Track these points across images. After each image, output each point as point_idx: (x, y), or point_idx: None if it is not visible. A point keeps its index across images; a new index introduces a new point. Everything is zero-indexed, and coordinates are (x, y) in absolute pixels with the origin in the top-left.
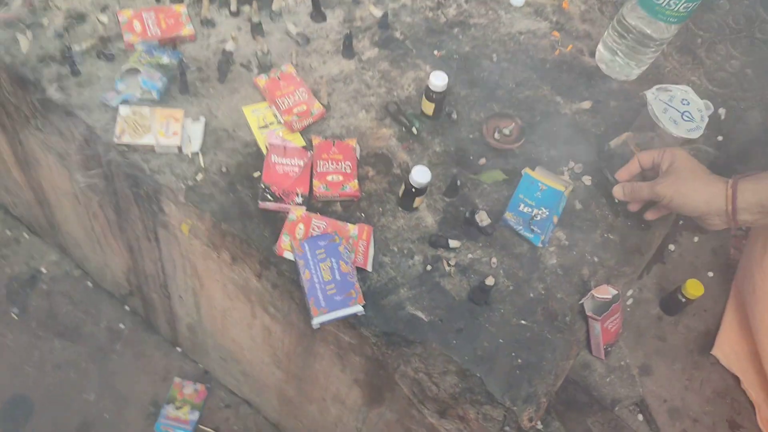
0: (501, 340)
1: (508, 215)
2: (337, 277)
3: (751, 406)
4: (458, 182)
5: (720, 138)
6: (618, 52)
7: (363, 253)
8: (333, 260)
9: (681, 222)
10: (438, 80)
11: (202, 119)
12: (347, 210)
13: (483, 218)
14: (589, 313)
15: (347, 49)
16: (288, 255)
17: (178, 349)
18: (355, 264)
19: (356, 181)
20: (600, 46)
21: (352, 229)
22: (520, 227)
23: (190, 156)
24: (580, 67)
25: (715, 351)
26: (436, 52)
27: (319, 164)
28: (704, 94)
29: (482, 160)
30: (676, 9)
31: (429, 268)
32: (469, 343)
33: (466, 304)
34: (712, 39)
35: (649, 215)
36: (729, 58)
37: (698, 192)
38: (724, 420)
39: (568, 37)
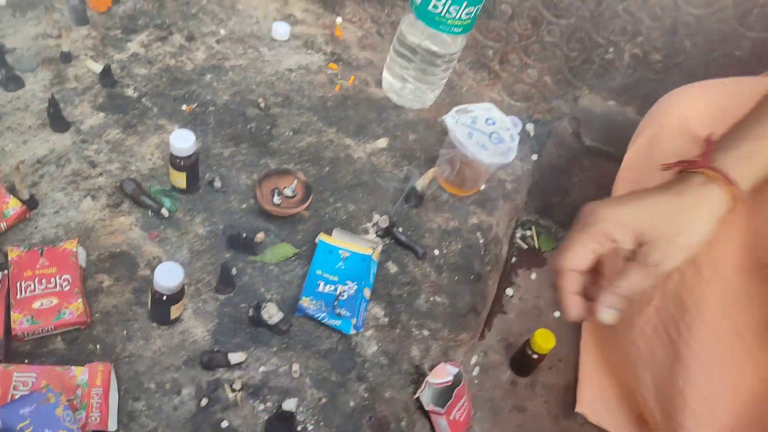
0: None
1: (305, 301)
2: None
3: None
4: (232, 271)
5: (534, 157)
6: (406, 77)
7: (99, 407)
8: None
9: (513, 260)
10: (181, 142)
11: None
12: (73, 345)
13: (272, 313)
14: (429, 408)
15: (56, 119)
16: None
17: None
18: (88, 428)
19: (81, 300)
20: (385, 74)
21: (80, 373)
22: (323, 314)
23: None
24: (368, 101)
25: (580, 407)
26: (185, 106)
27: (20, 287)
28: (508, 110)
29: (259, 235)
30: (457, 17)
31: (204, 402)
32: None
33: None
34: (503, 49)
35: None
36: (524, 68)
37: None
38: None
39: (347, 68)
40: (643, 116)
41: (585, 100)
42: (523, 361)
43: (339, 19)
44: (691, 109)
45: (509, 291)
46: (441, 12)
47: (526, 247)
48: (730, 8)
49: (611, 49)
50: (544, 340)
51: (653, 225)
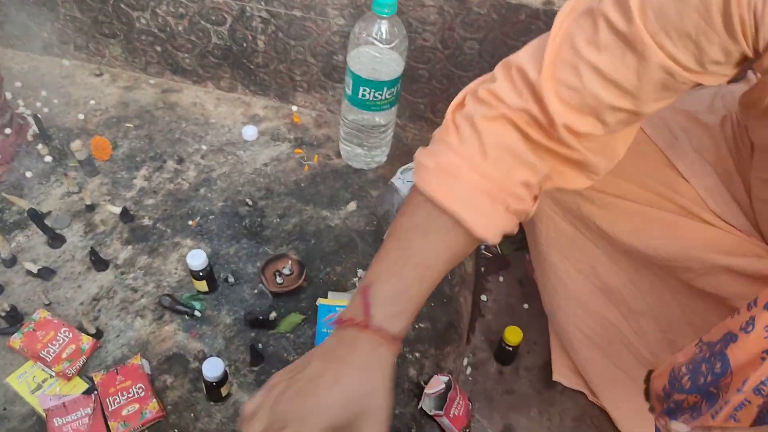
0: None
1: None
2: None
3: (609, 419)
4: (259, 347)
5: None
6: (356, 146)
7: None
8: None
9: (482, 270)
10: (196, 260)
11: None
12: None
13: None
14: (432, 412)
15: (97, 262)
16: None
17: None
18: None
19: (155, 400)
20: (341, 145)
21: None
22: None
23: None
24: (333, 173)
25: (556, 376)
26: (190, 222)
27: (110, 402)
28: None
29: (272, 314)
30: (383, 98)
31: None
32: None
33: None
34: (430, 102)
35: None
36: None
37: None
38: None
39: (310, 148)
40: None
41: None
42: (503, 354)
43: (294, 108)
44: None
45: (483, 297)
46: (369, 98)
47: (491, 255)
48: None
49: None
50: (512, 335)
51: (347, 414)
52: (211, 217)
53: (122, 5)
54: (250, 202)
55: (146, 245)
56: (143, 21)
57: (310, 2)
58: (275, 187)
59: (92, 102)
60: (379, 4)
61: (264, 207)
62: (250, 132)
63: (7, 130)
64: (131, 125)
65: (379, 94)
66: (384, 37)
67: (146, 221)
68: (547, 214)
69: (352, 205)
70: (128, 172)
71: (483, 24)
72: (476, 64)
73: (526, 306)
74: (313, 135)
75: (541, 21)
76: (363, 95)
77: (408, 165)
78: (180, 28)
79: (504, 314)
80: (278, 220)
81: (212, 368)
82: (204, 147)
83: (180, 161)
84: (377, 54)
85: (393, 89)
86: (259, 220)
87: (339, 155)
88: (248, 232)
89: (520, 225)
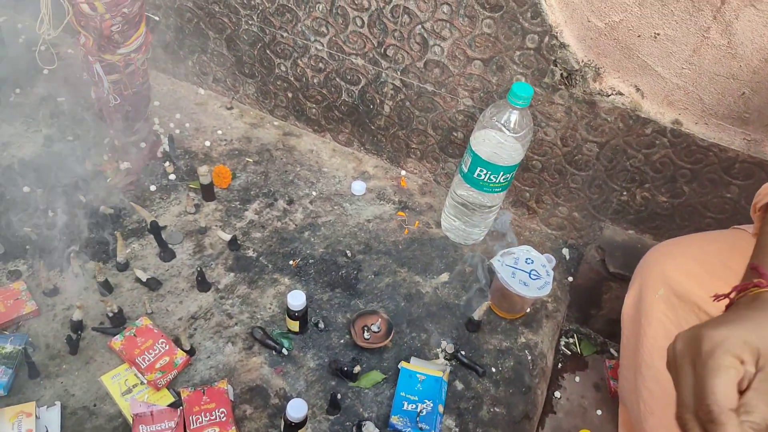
0: None
1: (394, 419)
2: None
3: None
4: (338, 396)
5: (570, 279)
6: (459, 220)
7: None
8: None
9: (560, 365)
10: (296, 300)
11: (57, 404)
12: None
13: (370, 430)
14: None
15: (201, 282)
16: None
17: None
18: None
19: (234, 428)
20: (443, 217)
21: None
22: (408, 428)
23: None
24: (431, 241)
25: None
26: (291, 261)
27: (192, 420)
28: (545, 236)
29: (357, 368)
30: (497, 181)
31: None
32: None
33: None
34: (537, 192)
35: None
36: (556, 206)
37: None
38: None
39: (412, 213)
40: (659, 242)
41: (609, 231)
42: None
43: (403, 172)
44: (669, 263)
45: (557, 393)
46: (483, 179)
47: (569, 353)
48: (716, 164)
49: (625, 193)
50: None
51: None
52: (311, 261)
53: (268, 51)
54: (349, 254)
55: (247, 276)
56: (283, 68)
57: (445, 80)
58: (374, 244)
59: (219, 132)
60: (515, 96)
61: (361, 261)
62: (358, 187)
63: (143, 144)
64: (251, 160)
65: (494, 176)
66: (512, 126)
67: (251, 253)
68: (659, 318)
69: (444, 276)
70: (241, 203)
71: (607, 130)
72: (591, 166)
73: (599, 412)
74: (417, 201)
75: (666, 138)
76: (479, 175)
77: (508, 249)
78: (315, 80)
79: (575, 415)
80: (373, 276)
81: (297, 409)
82: (314, 193)
83: (290, 202)
84: (502, 140)
85: (508, 175)
86: (355, 272)
87: (439, 225)
88: (343, 283)
89: (615, 328)
